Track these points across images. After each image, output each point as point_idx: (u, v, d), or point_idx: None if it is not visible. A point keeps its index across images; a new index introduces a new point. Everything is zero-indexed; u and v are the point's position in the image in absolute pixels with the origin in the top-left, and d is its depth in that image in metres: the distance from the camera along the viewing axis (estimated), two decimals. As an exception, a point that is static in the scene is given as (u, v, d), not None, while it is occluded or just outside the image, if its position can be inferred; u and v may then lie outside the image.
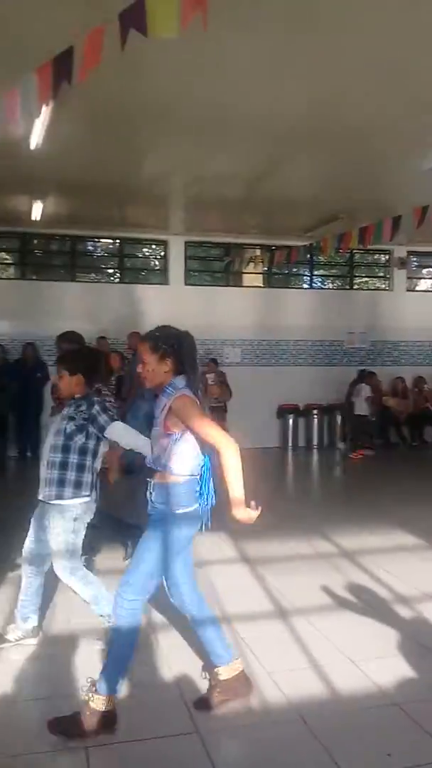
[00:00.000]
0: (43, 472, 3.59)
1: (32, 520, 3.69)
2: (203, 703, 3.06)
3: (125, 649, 2.95)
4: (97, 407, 3.55)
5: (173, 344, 2.95)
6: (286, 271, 12.82)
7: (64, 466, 3.53)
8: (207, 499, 2.97)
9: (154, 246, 12.22)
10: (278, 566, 5.16)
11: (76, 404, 3.61)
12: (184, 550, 2.99)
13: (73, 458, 3.54)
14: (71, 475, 3.53)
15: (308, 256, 12.15)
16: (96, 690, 2.87)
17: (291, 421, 11.83)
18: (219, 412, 10.90)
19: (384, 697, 3.15)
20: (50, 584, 3.98)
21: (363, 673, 3.36)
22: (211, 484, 2.99)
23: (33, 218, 9.68)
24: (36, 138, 5.96)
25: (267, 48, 4.70)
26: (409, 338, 12.66)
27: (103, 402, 3.65)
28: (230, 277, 12.58)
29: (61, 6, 4.00)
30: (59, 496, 3.52)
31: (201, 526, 3.01)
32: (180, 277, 11.82)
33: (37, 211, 9.36)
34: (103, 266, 12.36)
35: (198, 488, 2.96)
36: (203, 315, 11.41)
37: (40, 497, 3.60)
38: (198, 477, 2.96)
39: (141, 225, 10.99)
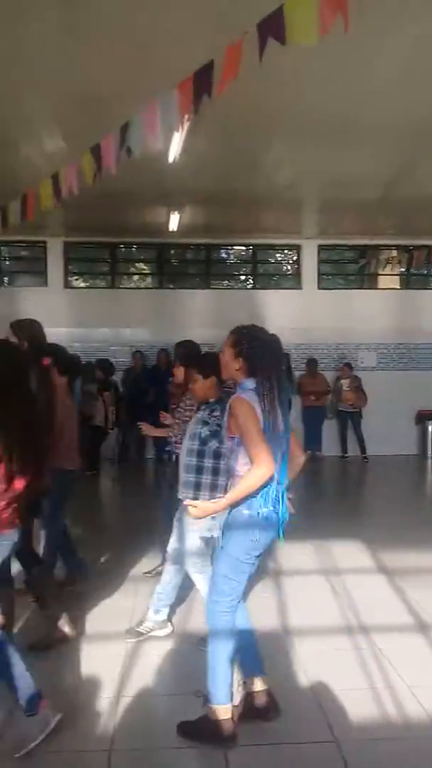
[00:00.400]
0: (182, 475, 3.66)
1: (175, 520, 3.83)
2: (187, 729, 2.96)
3: (220, 659, 2.92)
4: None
5: (253, 347, 2.89)
6: (425, 272, 12.25)
7: (199, 470, 3.56)
8: (279, 506, 2.89)
9: (286, 251, 12.15)
10: (417, 578, 4.98)
11: (210, 408, 3.63)
12: (249, 557, 2.90)
13: (208, 462, 3.56)
14: (206, 479, 3.56)
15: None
16: (209, 701, 2.90)
17: (430, 428, 11.28)
18: (355, 418, 10.66)
19: None
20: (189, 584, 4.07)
21: None
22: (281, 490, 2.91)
23: (170, 229, 9.95)
24: (174, 152, 6.09)
25: (402, 48, 4.52)
26: None
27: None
28: (365, 279, 12.23)
29: (197, 22, 4.04)
30: (195, 499, 3.53)
31: (278, 534, 2.92)
32: (313, 281, 11.66)
33: (174, 222, 9.61)
34: (236, 273, 12.46)
35: (267, 493, 2.85)
36: (337, 319, 11.21)
37: (180, 497, 3.69)
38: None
39: (273, 230, 10.97)
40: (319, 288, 11.72)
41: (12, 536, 2.82)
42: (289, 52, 2.95)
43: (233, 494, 2.80)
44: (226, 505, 2.83)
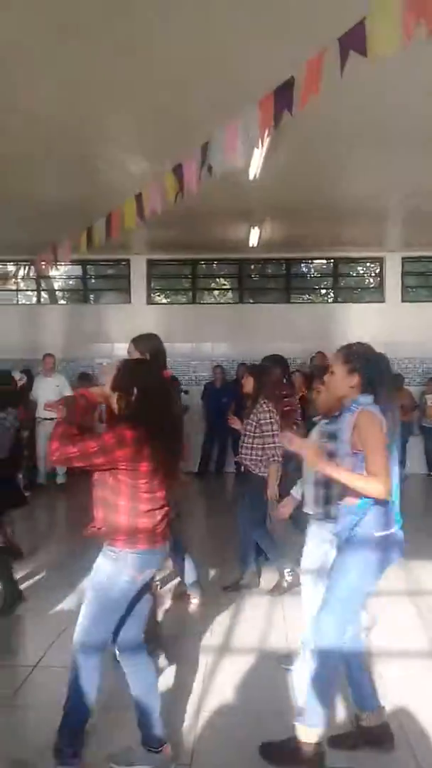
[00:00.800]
0: (310, 489, 3.68)
1: (307, 538, 3.77)
2: (271, 753, 2.91)
3: (325, 681, 2.85)
4: None
5: (366, 361, 2.89)
6: None
7: (328, 484, 3.53)
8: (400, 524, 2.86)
9: (369, 264, 11.96)
10: None
11: (335, 421, 3.67)
12: (373, 577, 2.84)
13: None
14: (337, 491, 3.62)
15: None
16: (303, 720, 2.85)
17: None
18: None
19: None
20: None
21: None
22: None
23: (250, 244, 10.00)
24: (255, 168, 6.12)
25: None
26: None
27: None
28: (453, 291, 11.84)
29: (277, 38, 4.06)
30: (326, 514, 3.55)
31: (400, 552, 2.87)
32: (397, 293, 11.40)
33: (254, 237, 9.65)
34: (317, 287, 12.37)
35: (390, 511, 2.82)
36: (422, 332, 10.90)
37: (309, 512, 3.72)
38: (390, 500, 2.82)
39: (355, 243, 10.82)
40: (403, 301, 11.44)
41: (165, 549, 2.82)
42: (369, 61, 2.91)
43: (342, 473, 2.76)
44: (323, 468, 2.80)
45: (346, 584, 2.80)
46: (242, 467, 5.05)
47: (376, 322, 10.83)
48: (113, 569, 2.62)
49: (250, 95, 3.58)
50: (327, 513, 3.52)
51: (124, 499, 2.60)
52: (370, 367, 2.88)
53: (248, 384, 5.01)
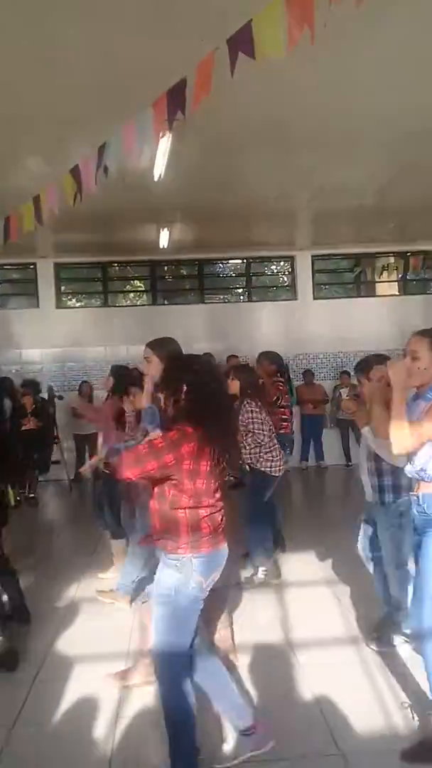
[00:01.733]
0: (366, 479, 3.89)
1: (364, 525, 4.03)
2: (413, 755, 2.83)
3: None
4: None
5: None
6: (425, 276, 12.21)
7: (379, 473, 3.79)
8: None
9: (282, 263, 12.16)
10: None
11: None
12: None
13: (386, 465, 3.73)
14: (387, 481, 3.76)
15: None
16: None
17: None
18: (356, 426, 10.56)
19: None
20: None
21: None
22: None
23: (161, 246, 9.96)
24: (159, 169, 6.10)
25: (392, 54, 4.50)
26: None
27: None
28: (362, 287, 12.21)
29: (171, 38, 4.05)
30: (381, 501, 3.79)
31: None
32: (308, 291, 11.64)
33: (164, 238, 9.62)
34: (231, 287, 12.48)
35: None
36: (334, 328, 11.18)
37: (369, 500, 3.92)
38: None
39: (266, 243, 10.97)
40: (315, 298, 11.71)
41: (216, 555, 2.67)
42: (273, 61, 2.95)
43: (399, 414, 2.75)
44: (398, 396, 2.78)
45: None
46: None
47: (289, 320, 11.04)
48: (179, 578, 2.55)
49: (145, 96, 3.56)
50: (382, 500, 3.78)
51: (186, 506, 2.53)
52: None
53: (234, 386, 5.15)
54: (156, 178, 6.29)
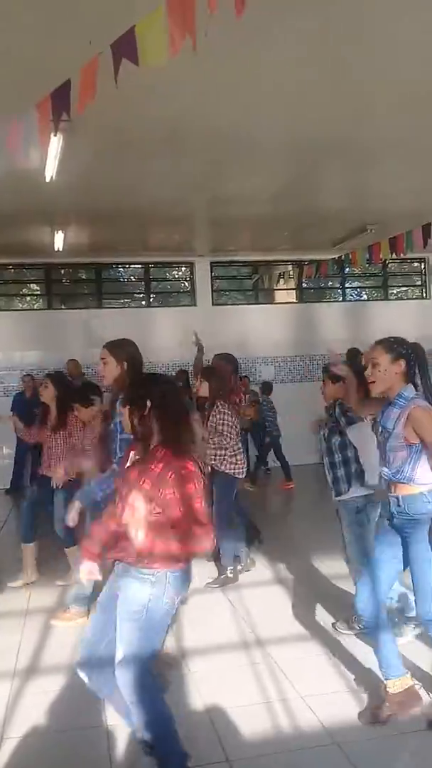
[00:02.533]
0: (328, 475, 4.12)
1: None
2: (371, 716, 3.08)
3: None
4: (338, 410, 4.07)
5: (408, 349, 3.07)
6: (321, 285, 12.60)
7: (332, 466, 4.07)
8: None
9: (184, 268, 12.20)
10: (309, 588, 5.06)
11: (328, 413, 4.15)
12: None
13: (338, 457, 4.04)
14: (340, 472, 4.02)
15: (339, 269, 11.93)
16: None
17: (328, 437, 11.56)
18: (254, 430, 10.75)
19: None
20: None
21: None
22: None
23: (56, 249, 9.73)
24: (50, 170, 5.96)
25: (284, 66, 4.60)
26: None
27: (342, 405, 4.04)
28: (260, 294, 12.46)
29: (59, 39, 3.96)
30: (338, 493, 4.05)
31: None
32: (207, 298, 11.75)
33: (59, 241, 9.40)
34: (130, 291, 12.38)
35: None
36: (233, 334, 11.31)
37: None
38: None
39: (165, 248, 10.97)
40: (214, 304, 11.83)
41: (188, 572, 2.65)
42: (166, 67, 2.94)
43: None
44: None
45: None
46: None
47: (189, 326, 11.06)
48: (152, 593, 2.51)
49: (32, 96, 3.47)
50: (338, 492, 4.05)
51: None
52: (412, 355, 3.07)
53: (204, 388, 5.25)
54: (48, 179, 6.16)
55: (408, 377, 3.04)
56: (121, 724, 3.12)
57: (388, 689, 3.09)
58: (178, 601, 2.64)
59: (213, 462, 5.21)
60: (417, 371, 3.06)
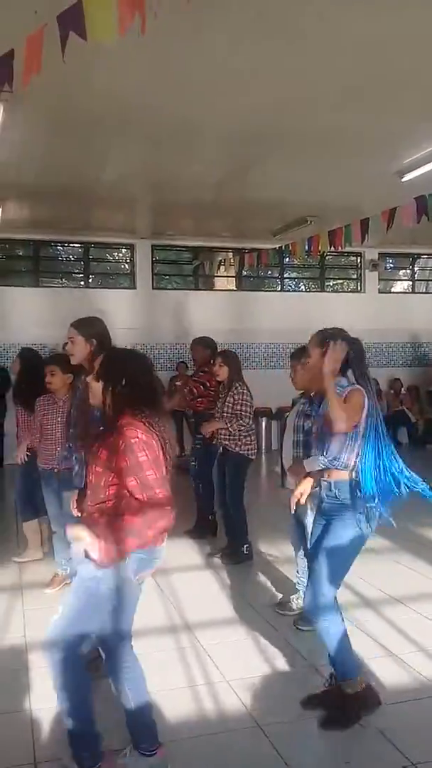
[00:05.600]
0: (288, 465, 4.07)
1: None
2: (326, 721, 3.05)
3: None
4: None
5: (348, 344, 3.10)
6: (261, 273, 12.70)
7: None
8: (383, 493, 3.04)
9: (124, 250, 12.05)
10: (240, 572, 5.17)
11: (310, 401, 3.96)
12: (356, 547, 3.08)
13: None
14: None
15: (279, 259, 12.06)
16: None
17: (264, 425, 11.73)
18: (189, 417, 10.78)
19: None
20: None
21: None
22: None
23: (-8, 222, 9.45)
24: (-11, 143, 5.78)
25: (231, 53, 4.59)
26: (382, 340, 12.61)
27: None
28: (200, 280, 12.45)
29: (5, 7, 3.82)
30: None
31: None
32: (147, 281, 11.67)
33: (-5, 215, 9.13)
34: (69, 271, 12.15)
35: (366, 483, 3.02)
36: (172, 319, 11.30)
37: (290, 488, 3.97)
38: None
39: (106, 229, 10.82)
40: (155, 288, 11.75)
41: (154, 552, 2.58)
42: (111, 45, 2.88)
43: (332, 394, 2.95)
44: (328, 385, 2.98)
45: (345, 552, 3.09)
46: None
47: (128, 308, 10.98)
48: (100, 573, 2.45)
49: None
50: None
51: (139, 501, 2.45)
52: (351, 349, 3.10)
53: (223, 372, 5.43)
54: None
55: (339, 371, 3.10)
56: (46, 708, 3.12)
57: (347, 690, 3.08)
58: (138, 582, 2.61)
59: (226, 443, 5.35)
60: (355, 366, 3.13)
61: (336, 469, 3.07)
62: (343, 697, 3.03)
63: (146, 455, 2.43)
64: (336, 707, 3.04)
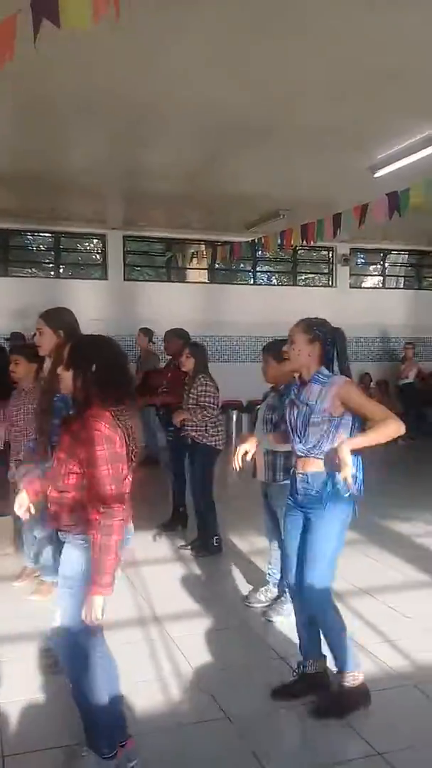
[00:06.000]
0: (260, 457, 4.07)
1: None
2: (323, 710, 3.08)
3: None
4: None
5: (325, 332, 3.11)
6: (233, 267, 12.70)
7: (275, 452, 4.01)
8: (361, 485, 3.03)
9: (95, 240, 11.94)
10: (211, 565, 5.17)
11: (279, 394, 3.92)
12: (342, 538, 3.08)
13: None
14: (280, 461, 4.02)
15: (252, 252, 12.04)
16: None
17: (234, 418, 11.76)
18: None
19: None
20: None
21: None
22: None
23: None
24: None
25: (205, 44, 4.56)
26: (352, 334, 12.68)
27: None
28: (172, 272, 12.41)
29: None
30: (274, 479, 4.09)
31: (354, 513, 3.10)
32: (119, 272, 11.59)
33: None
34: (39, 260, 12.00)
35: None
36: (143, 310, 11.23)
37: (262, 479, 4.20)
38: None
39: (77, 219, 10.70)
40: (126, 279, 11.68)
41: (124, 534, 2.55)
42: (86, 33, 2.83)
43: (366, 438, 2.88)
44: (351, 448, 2.86)
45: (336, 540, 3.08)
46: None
47: (99, 299, 10.89)
48: (87, 558, 2.45)
49: None
50: (274, 478, 4.11)
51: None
52: (329, 338, 3.11)
53: (189, 363, 5.47)
54: None
55: (322, 360, 3.10)
56: (13, 702, 3.10)
57: (344, 682, 3.12)
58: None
59: (194, 434, 5.36)
60: (335, 356, 3.14)
61: (313, 457, 3.04)
62: (340, 689, 3.08)
63: (104, 450, 2.42)
64: (331, 698, 3.09)
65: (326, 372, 3.09)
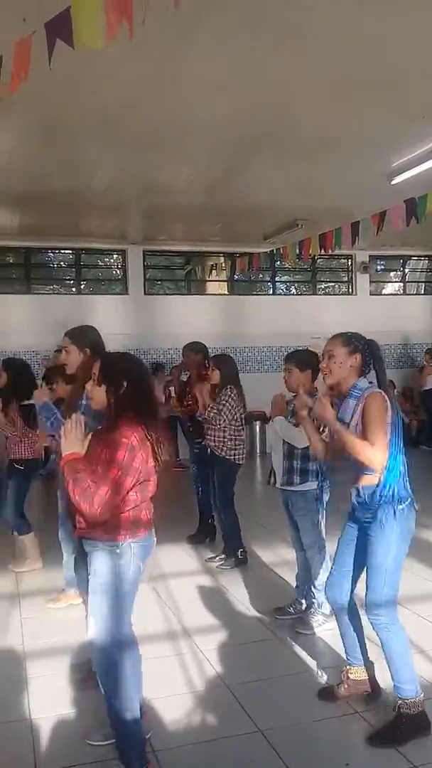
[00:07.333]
0: (278, 462, 4.16)
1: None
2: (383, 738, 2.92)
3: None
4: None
5: (364, 344, 3.10)
6: (252, 278, 12.72)
7: (291, 456, 4.08)
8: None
9: (116, 255, 12.05)
10: (236, 576, 5.13)
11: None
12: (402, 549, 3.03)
13: (298, 450, 4.01)
14: (297, 464, 4.05)
15: (270, 262, 12.07)
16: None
17: (258, 428, 11.72)
18: (184, 423, 10.74)
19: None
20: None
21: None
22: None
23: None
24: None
25: (218, 57, 4.61)
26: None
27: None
28: (192, 285, 12.46)
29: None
30: (291, 483, 4.09)
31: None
32: (140, 286, 11.67)
33: (-14, 223, 9.13)
34: (61, 277, 12.14)
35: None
36: (164, 324, 11.29)
37: (279, 486, 4.20)
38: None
39: (97, 235, 10.83)
40: (146, 293, 11.75)
41: (150, 539, 2.71)
42: (101, 52, 2.88)
43: (347, 435, 2.91)
44: (332, 422, 2.96)
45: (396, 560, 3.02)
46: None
47: (120, 314, 10.97)
48: (120, 563, 2.57)
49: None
50: (290, 481, 4.09)
51: (132, 493, 2.58)
52: (369, 350, 3.09)
53: (215, 375, 5.41)
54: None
55: (361, 372, 3.08)
56: (46, 717, 3.10)
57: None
58: (144, 568, 2.70)
59: (213, 445, 5.35)
60: (372, 367, 3.10)
61: (366, 474, 2.99)
62: (398, 714, 2.94)
63: (124, 457, 2.51)
64: (390, 725, 2.94)
65: (362, 385, 3.04)
